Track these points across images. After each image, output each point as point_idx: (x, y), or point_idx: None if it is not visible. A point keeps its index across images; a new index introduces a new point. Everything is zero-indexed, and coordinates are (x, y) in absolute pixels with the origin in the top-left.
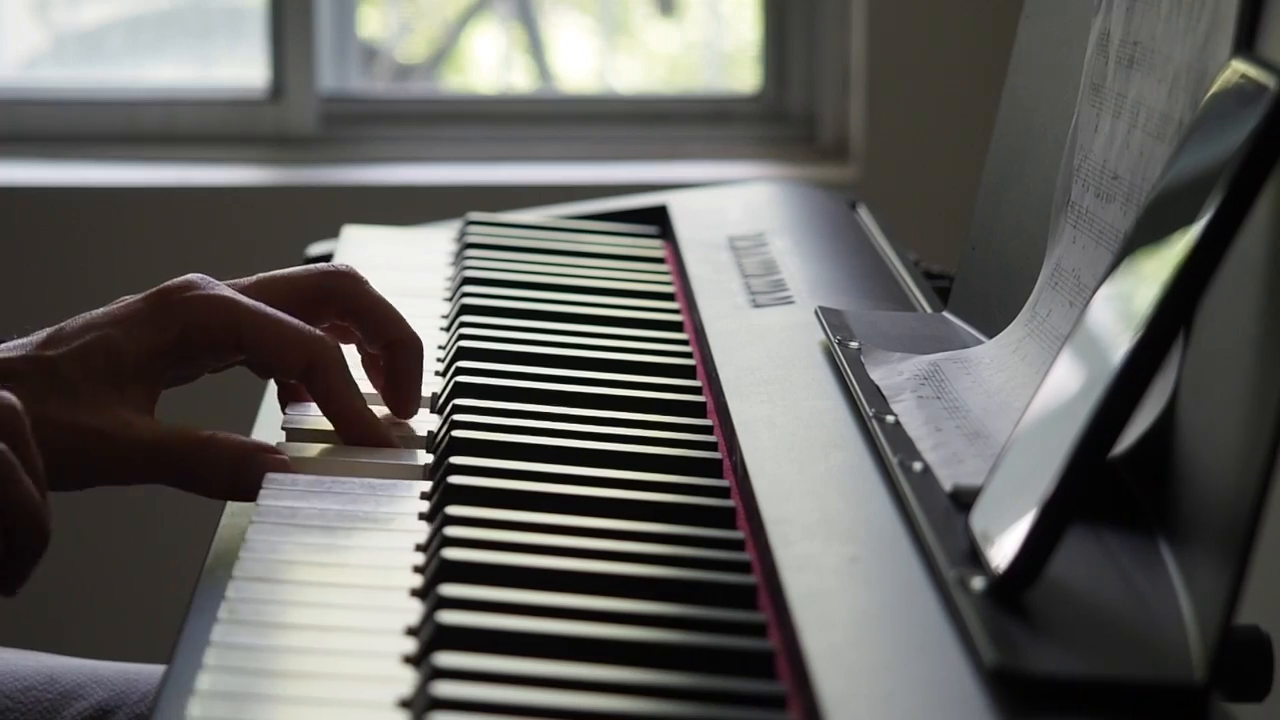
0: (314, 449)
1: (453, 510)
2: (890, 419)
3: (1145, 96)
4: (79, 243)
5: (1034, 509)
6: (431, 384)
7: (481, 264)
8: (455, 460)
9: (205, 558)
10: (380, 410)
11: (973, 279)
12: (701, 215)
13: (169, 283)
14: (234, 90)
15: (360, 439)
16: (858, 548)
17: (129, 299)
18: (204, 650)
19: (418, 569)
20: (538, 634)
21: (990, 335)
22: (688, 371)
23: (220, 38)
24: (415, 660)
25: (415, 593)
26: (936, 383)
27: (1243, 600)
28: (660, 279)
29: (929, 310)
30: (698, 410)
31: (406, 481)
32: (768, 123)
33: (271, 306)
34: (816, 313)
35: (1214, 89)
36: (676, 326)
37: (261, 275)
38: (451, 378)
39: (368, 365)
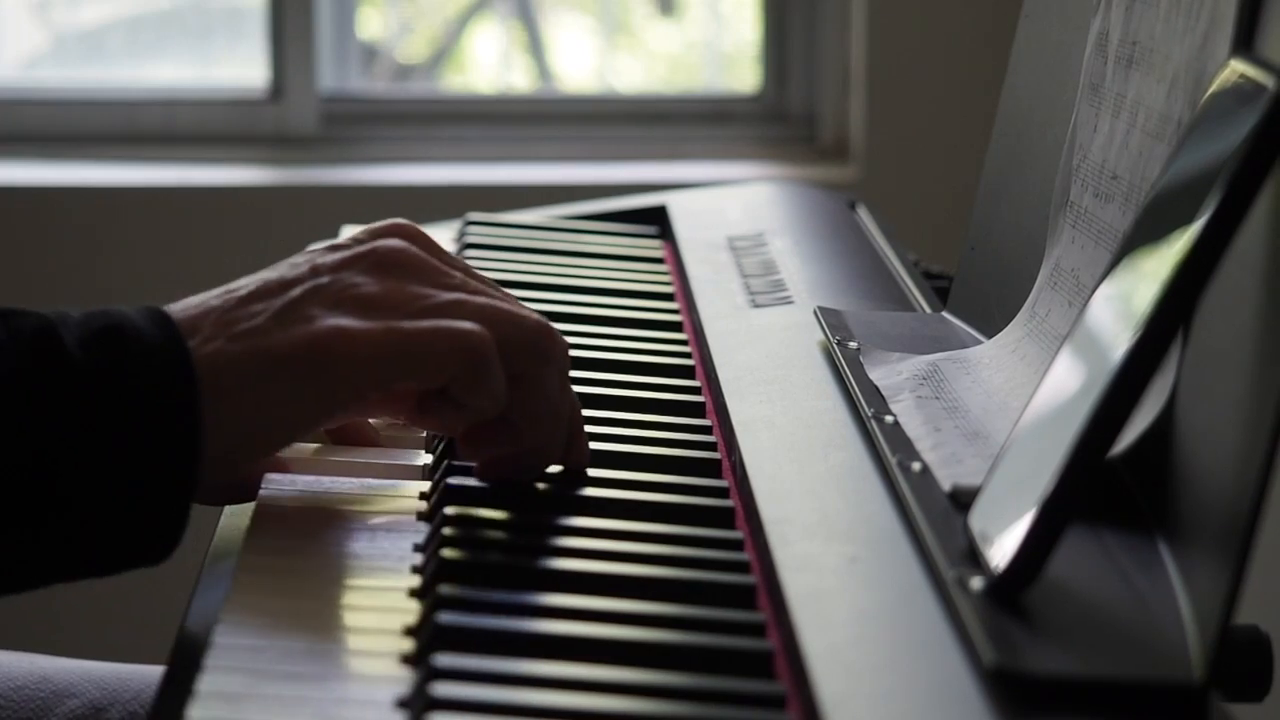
0: (311, 448)
1: (452, 510)
2: (889, 419)
3: (1144, 96)
4: (79, 243)
5: (1033, 509)
6: None
7: (481, 264)
8: (455, 460)
9: (204, 558)
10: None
11: (972, 279)
12: (701, 215)
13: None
14: (234, 90)
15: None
16: (857, 548)
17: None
18: (204, 650)
19: (417, 569)
20: (537, 634)
21: (989, 335)
22: (687, 372)
23: (220, 38)
24: (415, 660)
25: (415, 593)
26: (935, 383)
27: (1242, 600)
28: (660, 279)
29: (928, 310)
30: (697, 410)
31: (406, 481)
32: (768, 123)
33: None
34: (816, 313)
35: (1213, 89)
36: (676, 327)
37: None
38: None
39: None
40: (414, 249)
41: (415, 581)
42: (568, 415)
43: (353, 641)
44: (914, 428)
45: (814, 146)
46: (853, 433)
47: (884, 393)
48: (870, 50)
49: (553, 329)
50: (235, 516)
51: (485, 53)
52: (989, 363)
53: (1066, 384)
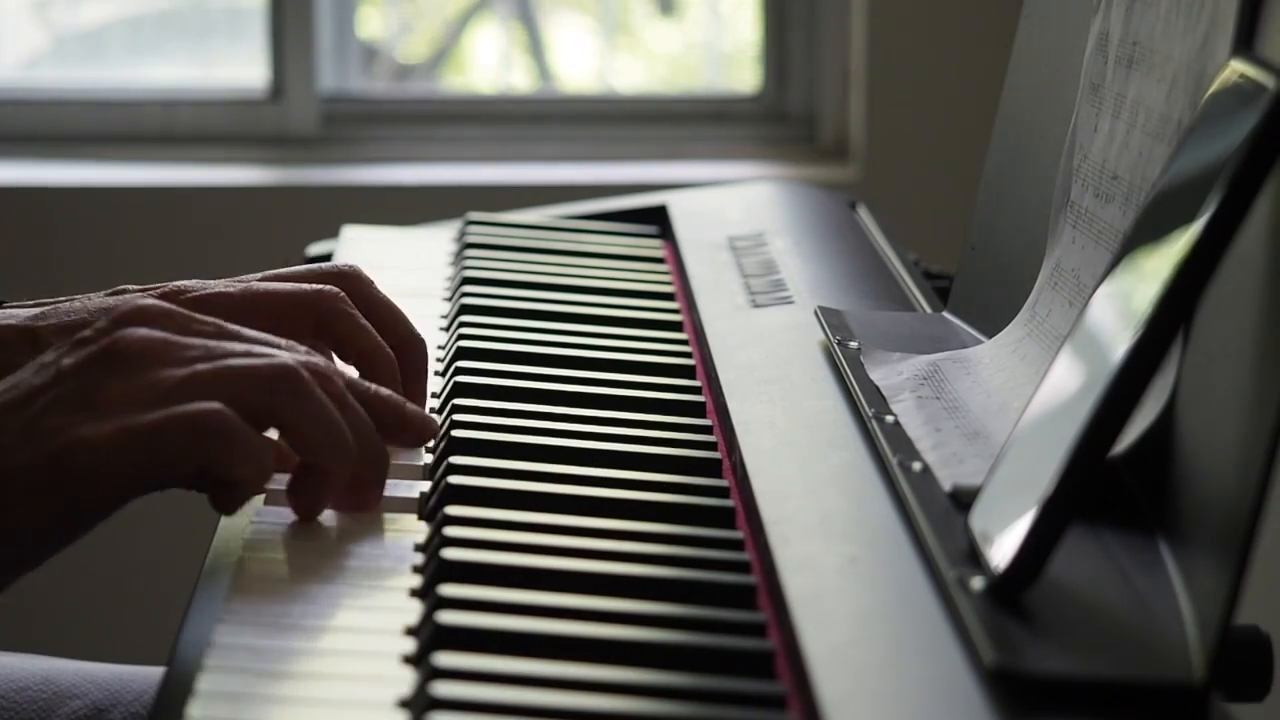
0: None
1: (452, 510)
2: (890, 419)
3: (1144, 96)
4: (79, 243)
5: (1034, 509)
6: (431, 384)
7: (481, 264)
8: (455, 460)
9: (204, 558)
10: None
11: (972, 279)
12: (701, 215)
13: (161, 287)
14: (234, 90)
15: (384, 375)
16: (857, 548)
17: (130, 288)
18: (204, 650)
19: (417, 569)
20: (537, 634)
21: (990, 335)
22: (687, 371)
23: (220, 38)
24: (415, 660)
25: (415, 593)
26: (936, 383)
27: (1243, 600)
28: (660, 279)
29: (929, 310)
30: (697, 410)
31: (406, 481)
32: (768, 123)
33: (259, 326)
34: (816, 313)
35: (1213, 89)
36: (676, 326)
37: (260, 275)
38: (451, 378)
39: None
40: (151, 333)
41: (415, 581)
42: (350, 427)
43: (353, 641)
44: (914, 428)
45: (814, 146)
46: (853, 433)
47: (884, 393)
48: (870, 50)
49: (289, 366)
50: (235, 517)
51: (485, 53)
52: (989, 363)
53: (1067, 384)
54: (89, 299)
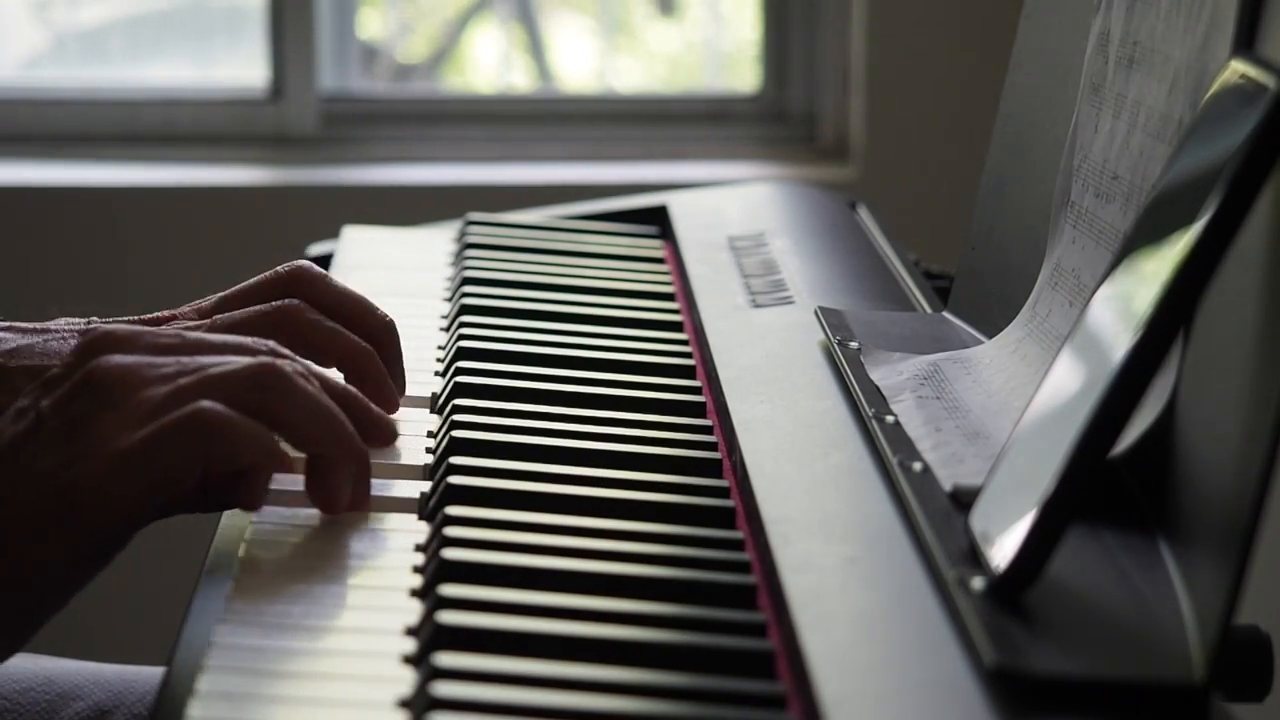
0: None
1: (453, 510)
2: (890, 419)
3: (1145, 96)
4: (79, 243)
5: (1034, 509)
6: (432, 384)
7: (481, 264)
8: (455, 460)
9: (205, 558)
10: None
11: (972, 279)
12: (701, 215)
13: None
14: (234, 90)
15: (368, 372)
16: (857, 548)
17: (63, 336)
18: (204, 650)
19: (418, 569)
20: (538, 634)
21: (990, 335)
22: (687, 371)
23: (220, 38)
24: (415, 660)
25: (415, 593)
26: (936, 383)
27: (1243, 600)
28: (660, 279)
29: (929, 310)
30: (697, 410)
31: (406, 481)
32: (768, 123)
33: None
34: (816, 313)
35: (1214, 89)
36: (676, 326)
37: (221, 294)
38: (451, 378)
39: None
40: (124, 359)
41: (416, 581)
42: (339, 405)
43: (353, 641)
44: (915, 428)
45: (814, 146)
46: (853, 433)
47: (885, 393)
48: (870, 50)
49: (269, 363)
50: (235, 517)
51: (485, 53)
52: (990, 363)
53: (1067, 384)
54: (63, 338)
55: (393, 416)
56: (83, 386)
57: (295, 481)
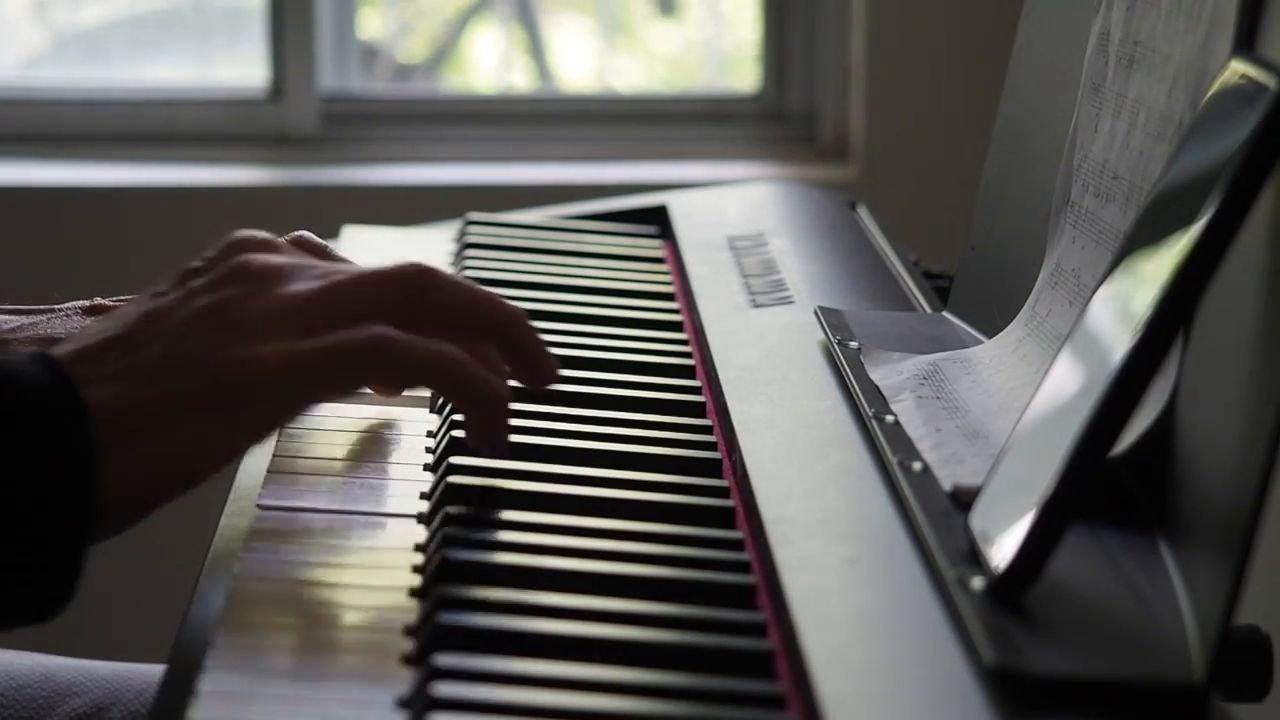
0: (313, 449)
1: (453, 510)
2: (890, 419)
3: (1145, 96)
4: (79, 243)
5: (1034, 509)
6: None
7: (481, 264)
8: (455, 460)
9: (205, 558)
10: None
11: (973, 279)
12: (701, 215)
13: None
14: (234, 90)
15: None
16: (857, 548)
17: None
18: (204, 650)
19: (417, 569)
20: (537, 634)
21: (990, 335)
22: (688, 371)
23: (220, 38)
24: (415, 660)
25: (415, 593)
26: (936, 383)
27: (1243, 600)
28: (660, 279)
29: (929, 310)
30: (697, 410)
31: (407, 481)
32: (768, 123)
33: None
34: (816, 313)
35: (1214, 89)
36: (676, 326)
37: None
38: None
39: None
40: (268, 257)
41: (416, 581)
42: (483, 296)
43: (353, 641)
44: (914, 427)
45: (814, 146)
46: (853, 432)
47: (884, 392)
48: (870, 50)
49: (405, 267)
50: (235, 517)
51: (485, 53)
52: (990, 363)
53: (1067, 384)
54: (68, 315)
55: (392, 415)
56: (234, 275)
57: (294, 480)
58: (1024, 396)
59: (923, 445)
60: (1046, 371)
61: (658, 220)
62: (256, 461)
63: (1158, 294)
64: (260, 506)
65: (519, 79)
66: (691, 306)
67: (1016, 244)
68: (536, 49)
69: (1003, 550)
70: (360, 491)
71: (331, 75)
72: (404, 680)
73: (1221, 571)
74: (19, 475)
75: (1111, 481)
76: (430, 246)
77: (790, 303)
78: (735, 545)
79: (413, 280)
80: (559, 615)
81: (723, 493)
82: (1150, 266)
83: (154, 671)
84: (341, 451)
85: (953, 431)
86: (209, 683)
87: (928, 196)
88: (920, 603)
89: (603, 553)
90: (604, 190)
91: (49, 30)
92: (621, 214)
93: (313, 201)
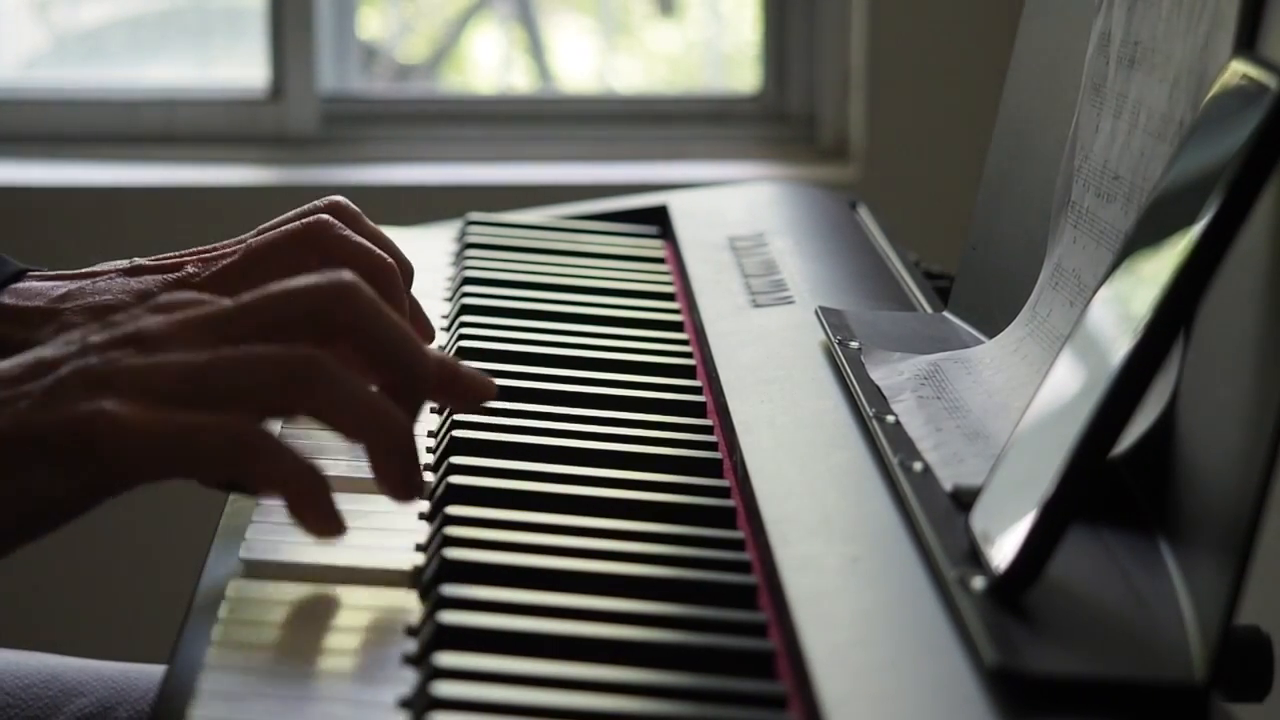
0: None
1: (453, 510)
2: (890, 419)
3: (1146, 97)
4: (79, 243)
5: (1034, 509)
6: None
7: (481, 264)
8: (455, 460)
9: (205, 557)
10: None
11: (973, 279)
12: (701, 215)
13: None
14: (234, 90)
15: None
16: (858, 548)
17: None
18: (204, 650)
19: (418, 569)
20: (537, 634)
21: (990, 335)
22: (688, 371)
23: (220, 38)
24: (415, 660)
25: (415, 593)
26: (937, 383)
27: (1243, 600)
28: (660, 279)
29: (929, 310)
30: (698, 410)
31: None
32: (768, 123)
33: (266, 278)
34: (816, 313)
35: (1215, 89)
36: (676, 326)
37: (253, 246)
38: None
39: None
40: (171, 318)
41: (416, 581)
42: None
43: (354, 641)
44: (915, 427)
45: (814, 146)
46: (854, 432)
47: (885, 392)
48: (870, 50)
49: (313, 355)
50: (235, 517)
51: (485, 53)
52: (990, 363)
53: (1068, 384)
54: (111, 278)
55: None
56: (134, 337)
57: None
58: (1024, 396)
59: (923, 445)
60: (1047, 372)
61: (658, 220)
62: None
63: (1158, 294)
64: (261, 505)
65: (519, 79)
66: (692, 306)
67: (1016, 244)
68: (536, 49)
69: (1003, 550)
70: (361, 491)
71: (331, 75)
72: (404, 680)
73: (1222, 571)
74: None
75: (1111, 481)
76: (430, 246)
77: (791, 303)
78: (736, 545)
79: (306, 371)
80: (559, 615)
81: (723, 493)
82: (1151, 267)
83: (159, 671)
84: (341, 451)
85: (953, 431)
86: (209, 682)
87: (928, 196)
88: (921, 603)
89: (603, 553)
90: (604, 190)
91: (49, 30)
92: (622, 214)
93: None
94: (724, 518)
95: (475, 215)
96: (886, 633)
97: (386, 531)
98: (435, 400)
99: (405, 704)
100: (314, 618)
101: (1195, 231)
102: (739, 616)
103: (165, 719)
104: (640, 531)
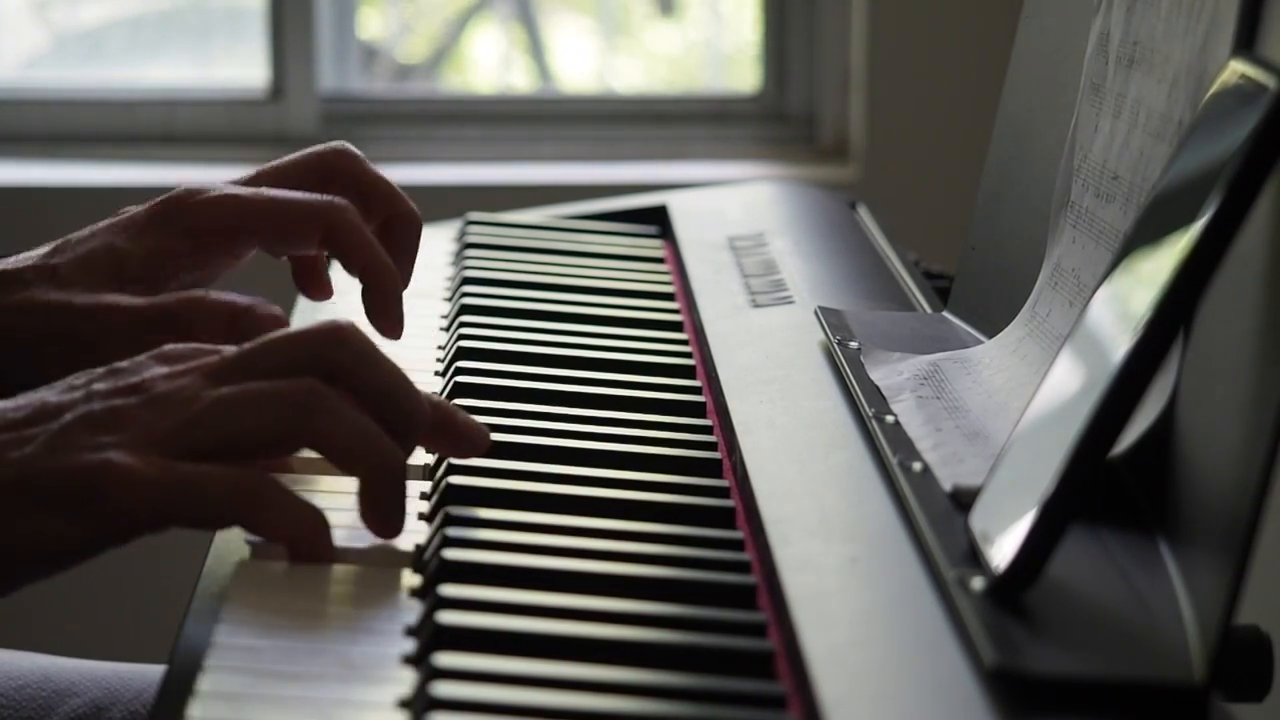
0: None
1: (453, 510)
2: (890, 419)
3: (1145, 96)
4: None
5: (1034, 509)
6: (432, 384)
7: (481, 264)
8: (455, 460)
9: (205, 557)
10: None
11: (973, 279)
12: (701, 215)
13: (171, 192)
14: (234, 90)
15: (386, 291)
16: (858, 548)
17: (132, 209)
18: (204, 650)
19: (418, 569)
20: (538, 634)
21: (990, 335)
22: (688, 371)
23: (220, 38)
24: (415, 660)
25: (415, 593)
26: (936, 383)
27: (1243, 600)
28: (660, 279)
29: (929, 310)
30: (698, 410)
31: (407, 481)
32: (768, 123)
33: (269, 235)
34: (816, 313)
35: (1214, 89)
36: (676, 326)
37: (261, 167)
38: (451, 378)
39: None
40: (180, 378)
41: (416, 581)
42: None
43: (353, 641)
44: (915, 427)
45: (814, 146)
46: (853, 432)
47: (885, 392)
48: (870, 50)
49: (309, 383)
50: None
51: (485, 53)
52: (990, 363)
53: (1067, 384)
54: (94, 230)
55: None
56: (138, 387)
57: (294, 482)
58: (1024, 396)
59: (923, 445)
60: (1046, 371)
61: (658, 220)
62: None
63: (1158, 294)
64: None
65: (519, 79)
66: (692, 306)
67: (1016, 244)
68: (536, 49)
69: (1003, 550)
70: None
71: (331, 75)
72: (404, 680)
73: (1222, 571)
74: None
75: (1111, 481)
76: (430, 246)
77: (790, 303)
78: (735, 545)
79: (306, 401)
80: (559, 615)
81: (723, 493)
82: (1150, 266)
83: (153, 672)
84: None
85: (953, 431)
86: (209, 683)
87: (928, 196)
88: (920, 603)
89: (603, 553)
90: (604, 190)
91: (49, 30)
92: (621, 214)
93: None
94: (723, 518)
95: (475, 215)
96: (886, 633)
97: None
98: (427, 445)
99: (404, 704)
100: (314, 618)
101: (1194, 231)
102: (738, 616)
103: (164, 719)
104: (640, 532)
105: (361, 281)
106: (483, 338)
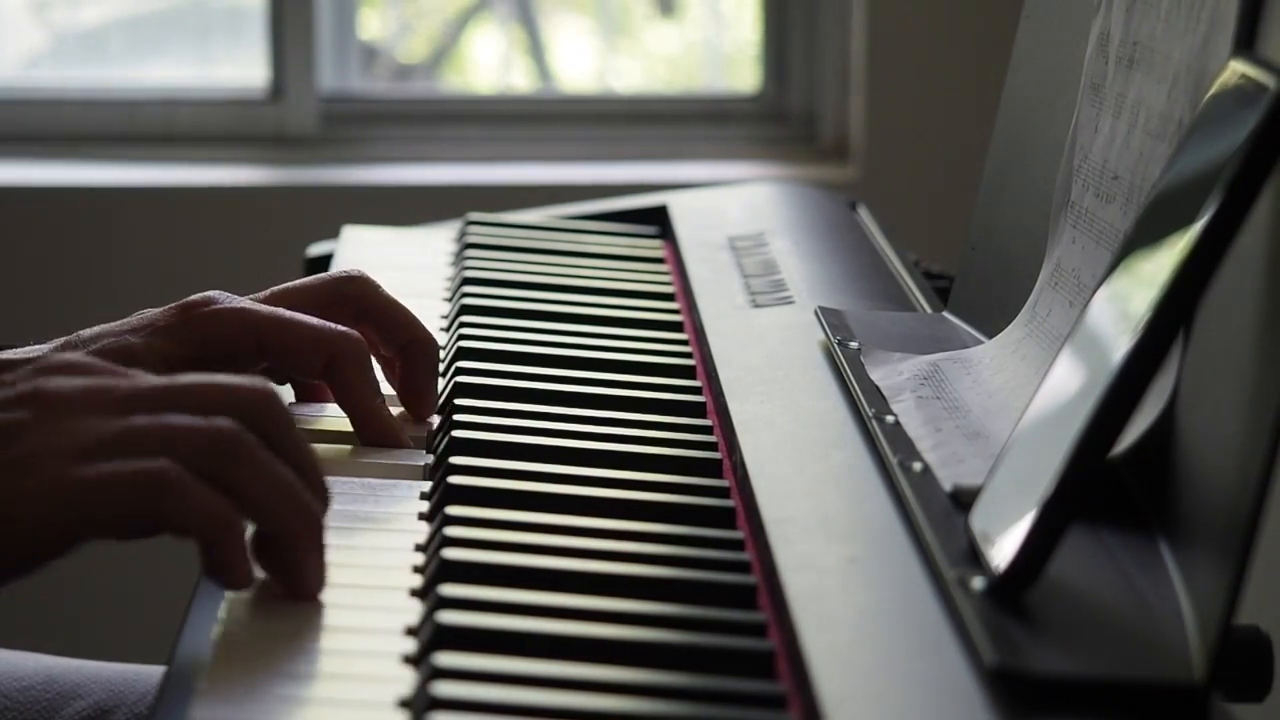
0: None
1: (453, 510)
2: (890, 419)
3: (1145, 96)
4: (79, 243)
5: (1034, 509)
6: None
7: (481, 264)
8: (455, 460)
9: None
10: (396, 410)
11: (973, 279)
12: (701, 215)
13: (189, 298)
14: (234, 90)
15: (375, 437)
16: (857, 548)
17: (148, 311)
18: (204, 650)
19: (418, 569)
20: (538, 634)
21: (990, 335)
22: (688, 371)
23: (220, 38)
24: (415, 660)
25: (415, 593)
26: (936, 383)
27: (1243, 600)
28: (660, 279)
29: (929, 310)
30: (697, 410)
31: (406, 481)
32: (768, 123)
33: (277, 354)
34: (816, 313)
35: (1214, 89)
36: (676, 327)
37: (276, 288)
38: (451, 378)
39: (384, 368)
40: (72, 380)
41: (416, 581)
42: (296, 480)
43: (353, 641)
44: (915, 428)
45: (814, 146)
46: (853, 433)
47: (885, 393)
48: (870, 50)
49: (232, 430)
50: None
51: (485, 53)
52: (990, 363)
53: (1067, 384)
54: (105, 328)
55: (394, 411)
56: (21, 401)
57: None
58: (1024, 396)
59: (923, 445)
60: (1046, 372)
61: (658, 220)
62: None
63: (1158, 294)
64: None
65: (519, 79)
66: (692, 307)
67: (1016, 244)
68: (536, 49)
69: (1003, 550)
70: (361, 492)
71: (331, 75)
72: (404, 680)
73: (1222, 571)
74: None
75: (1111, 481)
76: (430, 246)
77: (790, 303)
78: (735, 545)
79: (228, 446)
80: (559, 615)
81: (723, 493)
82: (1150, 266)
83: (158, 673)
84: (341, 452)
85: (953, 431)
86: (209, 683)
87: (928, 196)
88: (921, 603)
89: (603, 553)
90: (604, 190)
91: (49, 30)
92: (621, 214)
93: (313, 201)
94: (723, 518)
95: (475, 215)
96: (886, 632)
97: (386, 531)
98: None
99: (404, 704)
100: (314, 618)
101: (1194, 231)
102: (738, 616)
103: (165, 718)
104: (640, 531)
105: (351, 420)
106: (483, 338)
